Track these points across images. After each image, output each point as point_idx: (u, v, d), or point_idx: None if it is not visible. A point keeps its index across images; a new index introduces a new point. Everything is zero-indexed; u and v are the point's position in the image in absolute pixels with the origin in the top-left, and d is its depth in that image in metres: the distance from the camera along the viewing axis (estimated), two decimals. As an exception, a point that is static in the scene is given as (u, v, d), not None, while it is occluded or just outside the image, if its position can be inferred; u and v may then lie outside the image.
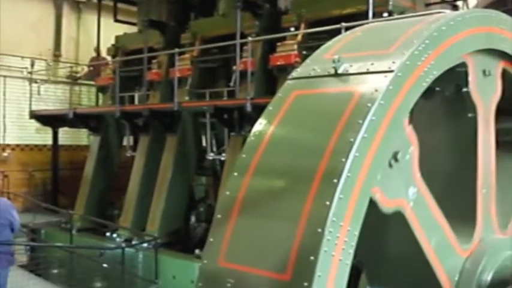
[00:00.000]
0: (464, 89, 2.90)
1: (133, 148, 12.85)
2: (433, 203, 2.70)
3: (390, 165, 2.41)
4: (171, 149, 11.59)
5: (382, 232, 2.72)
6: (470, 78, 2.89)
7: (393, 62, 2.44)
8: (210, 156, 11.09)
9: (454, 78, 2.86)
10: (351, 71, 2.53)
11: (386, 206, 2.44)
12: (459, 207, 2.94)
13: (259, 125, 2.59)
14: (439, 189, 2.79)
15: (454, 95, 2.94)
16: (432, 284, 2.73)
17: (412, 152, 2.56)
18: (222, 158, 10.76)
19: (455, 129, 3.06)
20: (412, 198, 2.58)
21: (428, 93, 2.65)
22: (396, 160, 2.42)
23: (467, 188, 2.96)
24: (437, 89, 2.81)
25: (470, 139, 2.97)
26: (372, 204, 2.31)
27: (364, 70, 2.49)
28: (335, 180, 2.14)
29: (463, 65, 2.85)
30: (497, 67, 3.12)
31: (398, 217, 2.54)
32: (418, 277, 2.79)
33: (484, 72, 2.99)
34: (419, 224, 2.61)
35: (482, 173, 2.98)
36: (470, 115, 2.97)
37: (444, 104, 3.02)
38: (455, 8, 11.33)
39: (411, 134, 2.54)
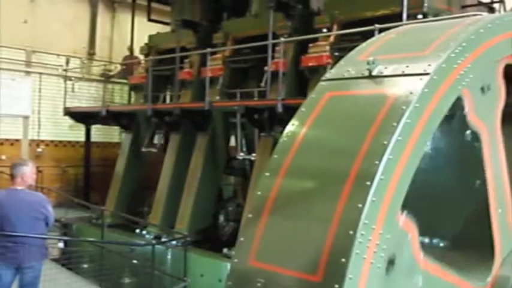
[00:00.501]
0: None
1: (164, 146, 12.97)
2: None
3: None
4: (201, 148, 11.66)
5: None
6: (466, 104, 2.67)
7: (429, 65, 2.42)
8: (240, 156, 11.11)
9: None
10: (385, 73, 2.51)
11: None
12: (473, 235, 2.85)
13: (292, 125, 2.59)
14: (447, 216, 2.75)
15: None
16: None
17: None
18: (252, 158, 10.78)
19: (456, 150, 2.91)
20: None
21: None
22: None
23: (480, 216, 2.81)
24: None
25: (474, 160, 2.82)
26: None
27: (399, 72, 2.47)
28: (368, 183, 2.13)
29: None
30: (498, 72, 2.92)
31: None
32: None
33: (482, 89, 2.77)
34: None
35: (495, 194, 2.80)
36: (469, 139, 2.78)
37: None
38: (491, 10, 11.12)
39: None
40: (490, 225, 2.78)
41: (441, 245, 2.82)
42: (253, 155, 10.71)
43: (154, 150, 12.90)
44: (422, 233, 2.50)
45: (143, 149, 13.03)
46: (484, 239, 2.79)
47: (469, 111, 2.64)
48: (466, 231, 2.85)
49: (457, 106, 2.56)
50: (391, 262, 2.23)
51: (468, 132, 2.69)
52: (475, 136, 2.70)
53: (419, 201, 2.52)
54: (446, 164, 2.82)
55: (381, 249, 2.13)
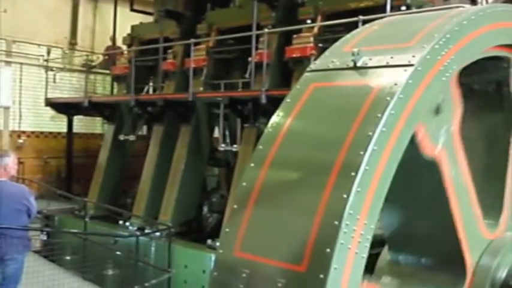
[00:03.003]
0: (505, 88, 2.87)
1: (148, 137, 12.91)
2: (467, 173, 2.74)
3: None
4: (184, 139, 11.63)
5: (411, 199, 2.74)
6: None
7: (413, 56, 2.43)
8: (222, 147, 11.10)
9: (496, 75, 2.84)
10: (370, 64, 2.52)
11: (426, 152, 2.50)
12: (488, 196, 2.93)
13: (277, 116, 2.59)
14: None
15: (495, 91, 2.92)
16: (456, 253, 2.74)
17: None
18: (234, 149, 10.76)
19: (489, 124, 3.04)
20: (448, 152, 2.63)
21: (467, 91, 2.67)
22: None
23: (498, 179, 2.96)
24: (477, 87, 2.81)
25: (503, 134, 2.95)
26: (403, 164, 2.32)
27: (384, 63, 2.48)
28: (353, 174, 2.14)
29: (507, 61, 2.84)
30: None
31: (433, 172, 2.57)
32: (442, 250, 2.79)
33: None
34: (450, 182, 2.64)
35: None
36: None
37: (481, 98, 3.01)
38: (474, 2, 11.21)
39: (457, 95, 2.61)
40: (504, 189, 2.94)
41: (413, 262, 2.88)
42: (235, 146, 10.70)
43: (132, 138, 12.77)
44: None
45: (121, 137, 12.92)
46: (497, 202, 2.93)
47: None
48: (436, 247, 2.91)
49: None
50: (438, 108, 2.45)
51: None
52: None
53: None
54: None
55: (366, 239, 2.15)
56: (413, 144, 2.42)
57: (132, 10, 16.00)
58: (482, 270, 2.82)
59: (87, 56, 15.74)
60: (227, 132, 11.66)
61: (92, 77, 15.96)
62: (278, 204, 2.34)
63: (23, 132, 15.25)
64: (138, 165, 12.65)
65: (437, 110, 2.50)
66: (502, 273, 2.82)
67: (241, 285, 2.22)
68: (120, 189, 13.62)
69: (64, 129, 15.40)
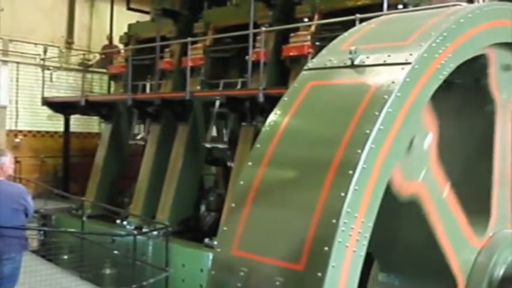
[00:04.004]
0: (484, 82, 2.88)
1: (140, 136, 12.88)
2: (450, 192, 2.71)
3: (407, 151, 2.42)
4: (182, 138, 11.62)
5: (395, 220, 2.73)
6: (490, 71, 2.85)
7: (410, 54, 2.43)
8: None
9: (474, 70, 2.84)
10: (367, 63, 2.52)
11: (403, 192, 2.45)
12: (475, 199, 2.92)
13: (274, 115, 2.59)
14: (455, 179, 2.79)
15: (473, 87, 2.92)
16: (444, 273, 2.73)
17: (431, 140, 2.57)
18: (221, 147, 10.74)
19: (473, 121, 3.05)
20: (428, 184, 2.59)
21: (448, 85, 2.65)
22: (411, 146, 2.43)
23: (484, 180, 2.94)
24: (458, 81, 2.80)
25: (487, 132, 2.95)
26: (387, 191, 2.31)
27: (381, 62, 2.49)
28: (350, 172, 2.14)
29: (484, 57, 2.84)
30: None
31: (414, 204, 2.55)
32: (430, 266, 2.80)
33: (504, 66, 2.95)
34: (435, 212, 2.61)
35: (499, 166, 2.95)
36: (488, 108, 2.94)
37: (463, 95, 3.00)
38: (470, 1, 11.22)
39: (430, 121, 2.55)
40: (490, 194, 2.93)
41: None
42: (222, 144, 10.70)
43: (141, 142, 12.67)
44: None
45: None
46: (483, 202, 2.94)
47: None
48: (470, 186, 2.94)
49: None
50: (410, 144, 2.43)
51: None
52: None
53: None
54: None
55: (363, 238, 2.15)
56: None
57: (129, 9, 15.97)
58: (479, 269, 2.82)
59: (84, 55, 15.71)
60: (224, 131, 11.65)
61: (88, 76, 15.93)
62: (276, 202, 2.34)
63: (20, 131, 15.22)
64: (135, 164, 12.63)
65: (409, 148, 2.48)
66: (499, 271, 2.83)
67: (239, 283, 2.22)
68: (118, 189, 13.60)
69: (61, 129, 15.37)
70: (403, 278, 2.93)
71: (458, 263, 2.76)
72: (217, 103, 10.43)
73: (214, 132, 11.78)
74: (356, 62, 2.53)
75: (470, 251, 2.84)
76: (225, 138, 11.31)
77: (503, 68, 2.94)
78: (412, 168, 2.52)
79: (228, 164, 11.22)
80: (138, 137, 12.73)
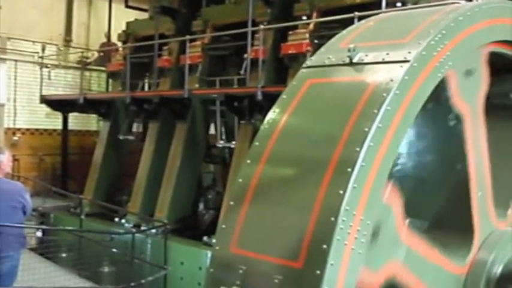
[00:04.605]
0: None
1: (143, 135, 12.89)
2: (423, 244, 2.66)
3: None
4: (180, 136, 11.61)
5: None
6: (451, 85, 2.69)
7: (409, 52, 2.43)
8: (220, 144, 11.10)
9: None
10: (366, 61, 2.52)
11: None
12: (454, 216, 2.88)
13: (273, 113, 2.59)
14: (430, 197, 2.78)
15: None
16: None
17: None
18: (232, 146, 10.77)
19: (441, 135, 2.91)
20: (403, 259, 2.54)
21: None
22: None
23: (461, 196, 2.85)
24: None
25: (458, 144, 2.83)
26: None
27: (380, 60, 2.48)
28: (349, 170, 2.14)
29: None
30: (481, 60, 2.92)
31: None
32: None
33: (466, 72, 2.78)
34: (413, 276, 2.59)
35: (476, 176, 2.84)
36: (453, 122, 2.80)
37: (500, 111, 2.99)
38: (469, -2, 11.22)
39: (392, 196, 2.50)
40: (470, 208, 2.82)
41: (423, 225, 2.84)
42: (233, 142, 10.70)
43: (131, 137, 12.78)
44: (405, 213, 2.54)
45: (120, 137, 12.91)
46: (464, 221, 2.83)
47: (453, 94, 2.67)
48: (447, 212, 2.88)
49: (441, 88, 2.57)
50: (375, 234, 2.28)
51: (451, 115, 2.70)
52: (459, 119, 2.73)
53: (406, 182, 2.57)
54: (430, 146, 2.85)
55: (362, 235, 2.15)
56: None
57: (127, 6, 15.96)
58: (478, 265, 2.82)
59: (82, 52, 15.70)
60: (223, 129, 11.66)
61: (87, 73, 15.92)
62: (274, 200, 2.33)
63: (18, 129, 15.21)
64: (133, 163, 12.63)
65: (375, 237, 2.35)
66: (498, 269, 2.83)
67: (237, 281, 2.22)
68: (116, 187, 13.59)
69: (59, 126, 15.36)
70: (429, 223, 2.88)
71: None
72: (218, 102, 10.42)
73: (212, 130, 11.82)
74: (355, 60, 2.52)
75: (489, 221, 2.85)
76: (224, 136, 11.35)
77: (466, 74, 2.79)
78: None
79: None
80: (131, 136, 12.77)
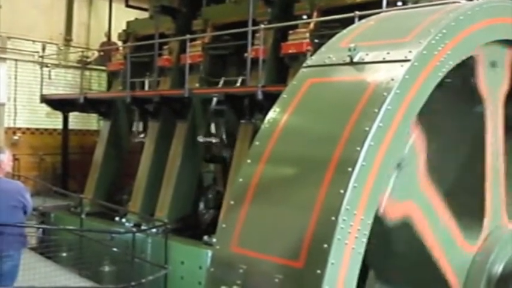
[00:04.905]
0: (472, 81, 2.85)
1: (143, 134, 12.90)
2: (440, 203, 2.70)
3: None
4: (180, 135, 11.61)
5: (388, 236, 2.72)
6: (478, 70, 2.83)
7: (410, 51, 2.42)
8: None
9: (462, 70, 2.82)
10: (366, 60, 2.51)
11: (393, 216, 2.48)
12: (468, 201, 2.90)
13: (273, 112, 2.59)
14: (447, 182, 2.78)
15: (462, 87, 2.91)
16: (439, 282, 2.73)
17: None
18: (213, 141, 10.75)
19: (463, 121, 3.04)
20: (419, 203, 2.58)
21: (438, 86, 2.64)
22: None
23: (476, 182, 2.90)
24: (448, 80, 2.79)
25: (478, 132, 2.92)
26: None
27: (380, 59, 2.48)
28: (350, 169, 2.14)
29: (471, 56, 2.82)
30: (506, 57, 3.06)
31: (405, 225, 2.56)
32: (424, 274, 2.79)
33: (492, 63, 2.92)
34: (427, 229, 2.61)
35: (491, 164, 2.91)
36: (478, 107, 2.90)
37: (452, 95, 2.99)
38: (469, -2, 11.22)
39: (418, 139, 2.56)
40: (483, 192, 2.86)
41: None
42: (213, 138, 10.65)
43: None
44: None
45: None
46: (477, 202, 2.87)
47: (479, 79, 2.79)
48: (463, 187, 2.92)
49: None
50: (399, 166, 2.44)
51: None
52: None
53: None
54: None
55: (363, 235, 2.15)
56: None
57: (127, 6, 15.95)
58: (477, 266, 2.82)
59: (82, 52, 15.70)
60: (223, 129, 11.65)
61: (87, 73, 15.92)
62: (275, 200, 2.33)
63: (18, 128, 15.20)
64: (134, 162, 12.63)
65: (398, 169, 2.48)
66: (498, 269, 2.82)
67: (238, 281, 2.22)
68: (116, 186, 13.59)
69: (59, 126, 15.36)
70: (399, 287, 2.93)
71: (453, 272, 2.75)
72: (214, 100, 10.39)
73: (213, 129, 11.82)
74: (355, 59, 2.52)
75: (464, 257, 2.83)
76: (224, 136, 11.34)
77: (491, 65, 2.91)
78: (402, 189, 2.51)
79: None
80: (142, 135, 12.76)
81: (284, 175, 2.40)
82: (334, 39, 2.87)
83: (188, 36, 11.22)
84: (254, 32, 10.04)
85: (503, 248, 2.87)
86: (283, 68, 9.95)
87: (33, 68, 15.18)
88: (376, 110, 2.24)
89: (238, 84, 11.01)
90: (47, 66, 14.95)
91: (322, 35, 9.24)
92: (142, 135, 12.90)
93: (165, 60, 12.31)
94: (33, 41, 15.18)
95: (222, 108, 10.70)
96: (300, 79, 2.67)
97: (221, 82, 11.35)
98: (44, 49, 14.82)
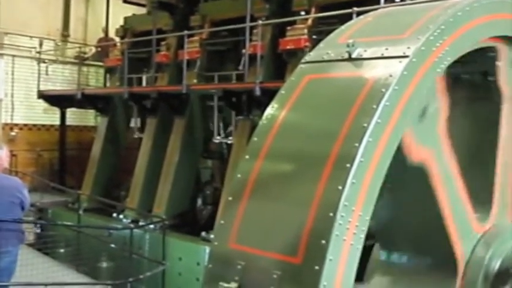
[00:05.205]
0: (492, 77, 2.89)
1: (141, 130, 12.88)
2: (455, 164, 2.75)
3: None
4: (178, 131, 11.60)
5: (399, 196, 2.75)
6: (500, 65, 2.87)
7: (408, 48, 2.43)
8: (217, 139, 11.08)
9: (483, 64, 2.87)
10: (365, 56, 2.51)
11: (413, 157, 2.52)
12: (478, 188, 2.93)
13: (272, 108, 2.59)
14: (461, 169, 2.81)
15: (481, 81, 2.94)
16: (446, 251, 2.74)
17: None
18: (229, 142, 10.76)
19: (479, 113, 3.06)
20: (436, 153, 2.65)
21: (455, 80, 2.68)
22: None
23: (488, 169, 2.96)
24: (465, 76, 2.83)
25: (493, 124, 2.96)
26: (395, 157, 2.33)
27: (379, 55, 2.48)
28: (348, 165, 2.14)
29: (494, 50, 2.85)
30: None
31: (419, 176, 2.60)
32: (431, 242, 2.81)
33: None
34: (440, 182, 2.65)
35: (503, 156, 2.96)
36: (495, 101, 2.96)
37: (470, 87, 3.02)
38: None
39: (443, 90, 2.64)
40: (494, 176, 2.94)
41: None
42: (230, 138, 10.68)
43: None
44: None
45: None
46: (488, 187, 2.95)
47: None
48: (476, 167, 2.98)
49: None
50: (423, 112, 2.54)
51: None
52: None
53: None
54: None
55: (361, 231, 2.15)
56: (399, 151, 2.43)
57: (125, 1, 15.94)
58: (475, 262, 2.83)
59: (79, 48, 15.64)
60: (221, 125, 11.64)
61: (84, 69, 15.87)
62: (273, 196, 2.33)
63: (16, 124, 15.16)
64: (131, 158, 12.61)
65: (423, 114, 2.55)
66: (496, 264, 2.83)
67: (236, 277, 2.22)
68: (114, 182, 13.58)
69: (57, 122, 15.32)
70: (405, 257, 2.93)
71: (460, 239, 2.77)
72: (216, 97, 10.40)
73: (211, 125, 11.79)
74: (353, 56, 2.52)
75: (472, 235, 2.85)
76: (221, 132, 11.32)
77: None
78: (424, 134, 2.58)
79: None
80: (139, 131, 12.75)
81: (282, 171, 2.40)
82: (332, 35, 2.87)
83: (186, 32, 11.20)
84: (252, 28, 10.02)
85: (503, 244, 2.88)
86: (281, 64, 9.93)
87: (30, 63, 15.13)
88: (375, 106, 2.24)
89: (233, 79, 10.99)
90: (44, 62, 14.90)
91: (320, 31, 9.22)
92: (139, 132, 12.88)
93: (162, 56, 12.29)
94: (31, 37, 15.13)
95: (220, 104, 10.69)
96: (298, 75, 2.67)
97: (215, 78, 11.31)
98: (41, 45, 14.79)
